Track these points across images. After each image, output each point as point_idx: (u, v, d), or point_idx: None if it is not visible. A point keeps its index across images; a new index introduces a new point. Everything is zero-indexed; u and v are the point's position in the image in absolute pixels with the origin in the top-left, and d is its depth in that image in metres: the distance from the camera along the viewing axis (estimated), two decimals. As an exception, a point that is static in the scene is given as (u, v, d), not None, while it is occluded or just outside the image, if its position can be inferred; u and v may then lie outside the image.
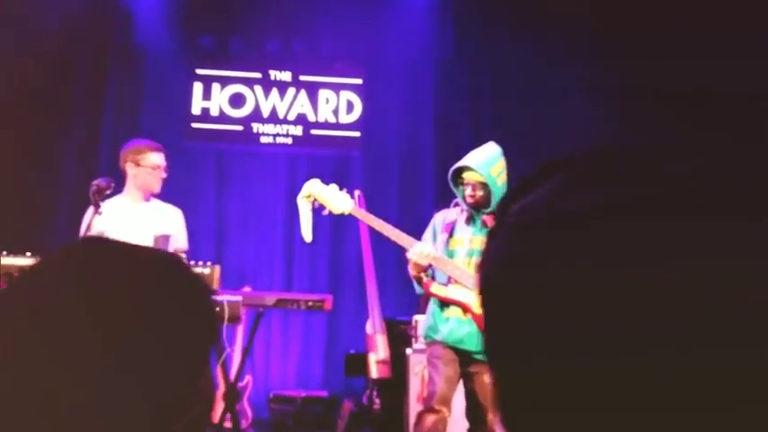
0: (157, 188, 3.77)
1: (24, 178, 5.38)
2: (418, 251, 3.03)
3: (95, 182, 2.86)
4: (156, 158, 3.74)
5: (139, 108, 6.19)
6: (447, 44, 6.45)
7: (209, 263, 3.20)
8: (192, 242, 4.03)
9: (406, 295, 4.53)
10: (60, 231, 5.54)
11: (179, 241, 3.97)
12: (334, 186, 3.29)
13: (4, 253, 2.63)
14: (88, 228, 2.78)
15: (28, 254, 2.68)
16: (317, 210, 3.29)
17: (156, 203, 3.87)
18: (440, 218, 3.30)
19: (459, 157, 3.17)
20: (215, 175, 6.36)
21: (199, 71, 6.45)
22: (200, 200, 6.05)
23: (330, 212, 3.27)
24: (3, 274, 2.60)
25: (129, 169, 3.71)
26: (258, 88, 6.47)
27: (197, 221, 4.54)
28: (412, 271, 3.12)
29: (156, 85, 6.21)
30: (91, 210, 2.85)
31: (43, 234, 5.38)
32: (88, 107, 6.17)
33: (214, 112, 6.45)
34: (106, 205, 2.99)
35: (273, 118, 6.45)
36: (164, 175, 3.78)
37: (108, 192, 2.92)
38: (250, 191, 6.27)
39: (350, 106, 6.51)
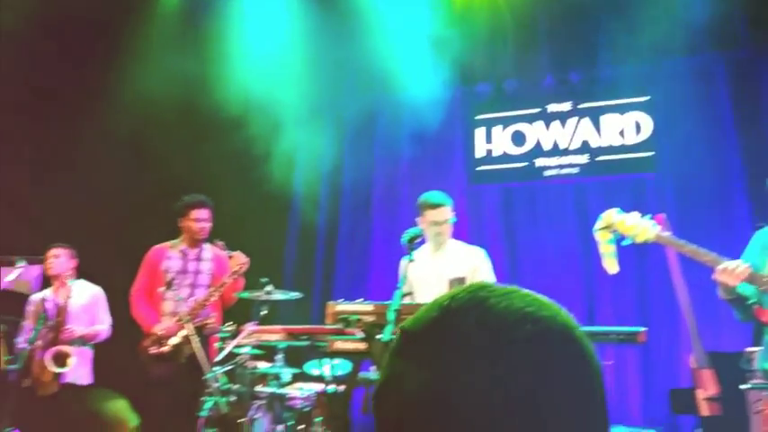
0: (442, 241, 4.01)
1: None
2: (724, 268, 2.75)
3: (408, 231, 3.14)
4: (434, 215, 3.99)
5: (426, 156, 6.63)
6: (742, 41, 5.80)
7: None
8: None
9: (734, 324, 4.09)
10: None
11: (481, 279, 4.15)
12: (634, 214, 3.14)
13: (340, 300, 3.02)
14: (404, 276, 3.05)
15: (359, 300, 3.04)
16: (618, 240, 3.17)
17: (456, 248, 4.11)
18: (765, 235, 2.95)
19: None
20: (502, 213, 6.50)
21: (478, 117, 6.73)
22: (489, 239, 6.22)
23: (633, 242, 3.12)
24: (339, 320, 2.98)
25: (420, 223, 4.01)
26: (538, 123, 6.52)
27: (493, 259, 4.66)
28: (721, 294, 2.82)
29: (439, 135, 6.60)
30: (405, 259, 3.12)
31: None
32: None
33: (497, 153, 6.64)
34: (416, 253, 3.26)
35: (556, 150, 6.42)
36: (444, 228, 3.97)
37: (418, 240, 3.18)
38: (539, 226, 6.28)
39: (638, 126, 6.20)
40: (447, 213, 4.06)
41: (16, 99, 6.59)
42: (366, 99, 6.90)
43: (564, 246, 6.10)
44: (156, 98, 6.33)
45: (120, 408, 1.46)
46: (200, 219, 4.92)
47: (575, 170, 6.34)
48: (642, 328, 3.28)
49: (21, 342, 5.02)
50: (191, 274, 4.90)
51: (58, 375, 4.77)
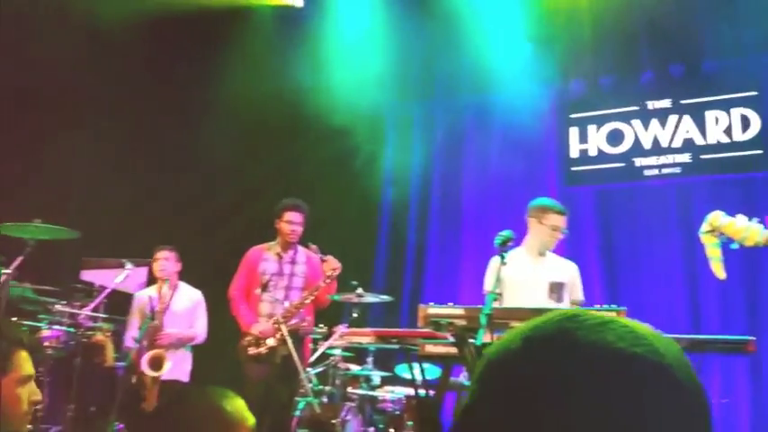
0: (552, 247, 4.01)
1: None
2: None
3: (501, 233, 3.09)
4: (558, 220, 3.97)
5: (517, 158, 6.51)
6: None
7: (613, 306, 3.14)
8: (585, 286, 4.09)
9: None
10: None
11: (575, 293, 4.08)
12: (741, 217, 2.95)
13: (431, 304, 3.01)
14: (497, 277, 3.01)
15: (450, 303, 3.02)
16: (725, 244, 2.98)
17: (552, 257, 4.08)
18: None
19: None
20: (598, 216, 6.29)
21: (573, 116, 6.54)
22: (585, 243, 6.03)
23: (740, 245, 2.93)
24: (430, 323, 2.97)
25: (532, 225, 4.01)
26: (636, 122, 6.26)
27: (583, 265, 4.53)
28: None
29: (531, 135, 6.46)
30: (496, 259, 3.07)
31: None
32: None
33: (592, 153, 6.43)
34: (509, 255, 3.21)
35: (656, 149, 6.15)
36: (561, 236, 3.98)
37: (510, 243, 3.13)
38: (638, 229, 6.03)
39: (744, 122, 5.84)
40: (565, 222, 4.13)
41: (131, 107, 6.99)
42: (457, 100, 6.86)
43: (666, 250, 5.82)
44: (261, 105, 6.57)
45: (240, 406, 1.50)
46: (292, 221, 5.03)
47: (677, 170, 6.05)
48: (751, 338, 3.08)
49: (127, 340, 5.30)
50: (286, 277, 5.00)
51: (156, 378, 4.99)
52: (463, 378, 4.23)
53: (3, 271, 4.69)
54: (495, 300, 3.00)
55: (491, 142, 6.68)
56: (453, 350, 3.08)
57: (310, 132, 6.90)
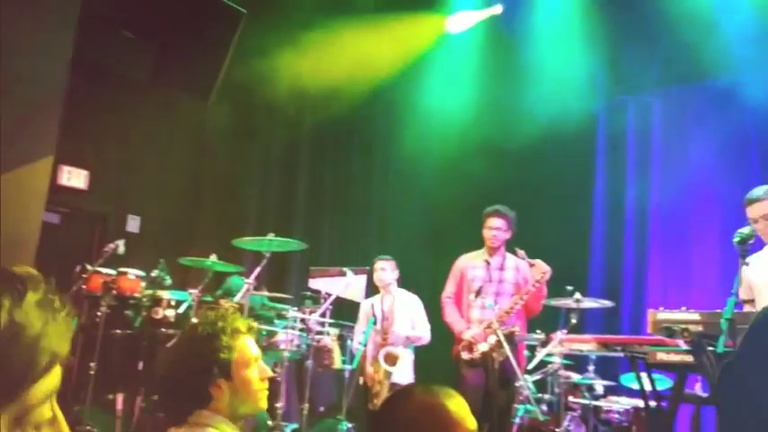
0: None
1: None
2: None
3: (740, 230, 2.82)
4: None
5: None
6: None
7: None
8: None
9: None
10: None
11: None
12: None
13: (661, 309, 2.82)
14: (740, 281, 2.73)
15: (683, 308, 2.81)
16: None
17: None
18: None
19: None
20: None
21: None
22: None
23: None
24: (662, 329, 2.78)
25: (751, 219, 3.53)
26: None
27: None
28: None
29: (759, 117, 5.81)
30: (741, 262, 2.81)
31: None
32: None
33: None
34: (752, 257, 2.91)
35: None
36: None
37: (751, 241, 2.84)
38: None
39: None
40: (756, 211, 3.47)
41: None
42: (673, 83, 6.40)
43: None
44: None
45: (463, 406, 1.53)
46: (493, 227, 5.06)
47: None
48: None
49: (354, 344, 5.66)
50: (494, 283, 5.04)
51: (389, 373, 5.27)
52: (699, 389, 3.91)
53: (245, 281, 5.23)
54: (741, 303, 2.73)
55: (723, 129, 6.10)
56: (688, 358, 2.87)
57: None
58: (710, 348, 2.61)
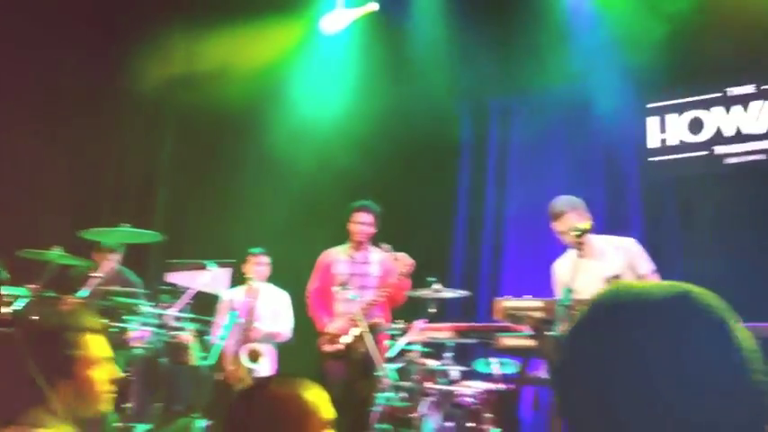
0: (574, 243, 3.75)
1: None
2: None
3: (578, 225, 3.05)
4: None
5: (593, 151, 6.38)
6: None
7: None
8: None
9: None
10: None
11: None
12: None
13: (507, 297, 3.00)
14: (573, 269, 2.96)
15: (527, 296, 3.00)
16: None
17: (603, 242, 3.95)
18: None
19: None
20: (677, 207, 6.09)
21: (651, 105, 6.35)
22: (664, 234, 5.86)
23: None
24: (507, 316, 2.96)
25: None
26: (717, 108, 6.03)
27: (661, 257, 4.37)
28: None
29: (608, 126, 6.31)
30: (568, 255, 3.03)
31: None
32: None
33: (672, 142, 6.23)
34: (561, 259, 3.15)
35: (739, 136, 5.91)
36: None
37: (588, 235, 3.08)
38: (720, 217, 5.80)
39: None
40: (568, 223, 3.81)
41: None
42: (532, 90, 6.78)
43: (746, 240, 5.58)
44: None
45: (320, 396, 1.53)
46: (360, 222, 5.13)
47: (762, 156, 5.80)
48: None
49: (213, 338, 5.51)
50: (359, 277, 5.11)
51: (251, 370, 5.19)
52: (542, 371, 4.19)
53: (94, 274, 4.95)
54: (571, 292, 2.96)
55: (563, 135, 6.57)
56: (531, 343, 3.07)
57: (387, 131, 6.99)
58: (548, 333, 2.81)
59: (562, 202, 3.96)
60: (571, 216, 3.80)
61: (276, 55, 7.28)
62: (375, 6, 7.22)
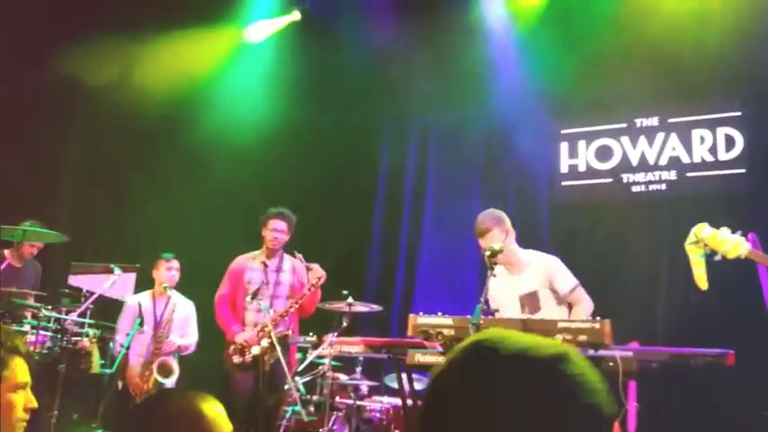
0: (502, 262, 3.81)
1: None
2: None
3: (491, 245, 3.13)
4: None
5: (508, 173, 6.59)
6: None
7: (598, 318, 3.19)
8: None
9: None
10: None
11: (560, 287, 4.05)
12: (725, 229, 3.02)
13: (420, 313, 3.05)
14: (486, 290, 3.04)
15: (439, 313, 3.06)
16: (709, 255, 3.04)
17: (529, 258, 4.06)
18: None
19: None
20: (589, 229, 6.36)
21: (564, 131, 6.63)
22: (575, 255, 6.08)
23: (723, 257, 3.00)
24: (420, 333, 3.01)
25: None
26: (625, 138, 6.37)
27: (579, 276, 4.53)
28: None
29: (523, 150, 6.54)
30: (488, 274, 3.11)
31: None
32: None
33: (581, 168, 6.52)
34: (498, 269, 3.25)
35: (644, 165, 6.25)
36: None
37: (500, 256, 3.17)
38: (628, 242, 6.10)
39: (730, 142, 5.95)
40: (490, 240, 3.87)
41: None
42: (453, 110, 6.94)
43: (654, 262, 5.90)
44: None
45: (219, 411, 1.50)
46: (275, 229, 5.06)
47: (662, 186, 6.15)
48: (730, 351, 3.14)
49: (115, 346, 5.29)
50: (271, 285, 5.01)
51: (161, 384, 5.00)
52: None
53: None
54: (488, 312, 3.03)
55: (481, 156, 6.76)
56: (442, 360, 3.12)
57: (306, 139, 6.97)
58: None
59: (486, 217, 4.01)
60: (495, 232, 3.89)
61: (201, 62, 7.17)
62: (297, 16, 7.25)
